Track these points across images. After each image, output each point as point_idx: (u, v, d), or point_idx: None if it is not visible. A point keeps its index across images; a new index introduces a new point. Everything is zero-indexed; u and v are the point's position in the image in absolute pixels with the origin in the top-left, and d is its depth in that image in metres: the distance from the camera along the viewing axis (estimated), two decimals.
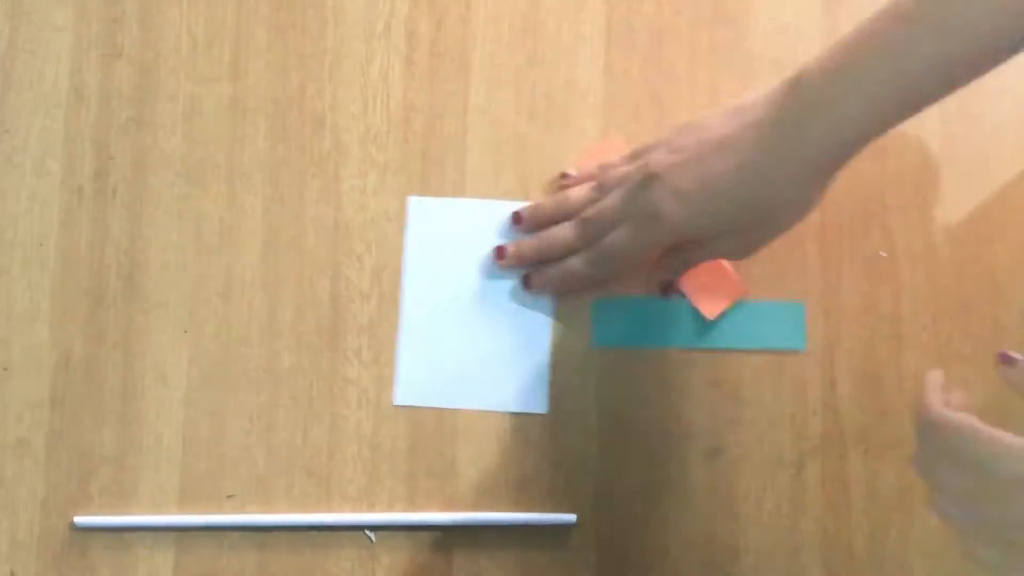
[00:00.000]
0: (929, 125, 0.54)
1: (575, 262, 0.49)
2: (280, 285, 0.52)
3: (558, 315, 0.52)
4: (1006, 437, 0.35)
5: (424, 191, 0.53)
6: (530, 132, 0.54)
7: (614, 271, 0.49)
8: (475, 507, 0.51)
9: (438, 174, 0.53)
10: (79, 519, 0.50)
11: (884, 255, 0.53)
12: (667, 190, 0.44)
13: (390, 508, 0.51)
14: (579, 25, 0.55)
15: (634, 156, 0.49)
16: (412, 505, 0.51)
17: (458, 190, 0.53)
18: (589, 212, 0.48)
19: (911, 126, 0.54)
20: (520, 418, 0.52)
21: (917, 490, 0.52)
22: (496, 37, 0.54)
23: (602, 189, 0.48)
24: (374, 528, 0.51)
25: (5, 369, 0.51)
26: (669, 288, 0.52)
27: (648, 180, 0.45)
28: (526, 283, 0.51)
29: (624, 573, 0.51)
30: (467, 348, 0.52)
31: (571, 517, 0.50)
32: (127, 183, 0.53)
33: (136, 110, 0.53)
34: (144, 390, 0.51)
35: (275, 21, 0.54)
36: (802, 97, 0.41)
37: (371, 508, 0.51)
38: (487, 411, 0.52)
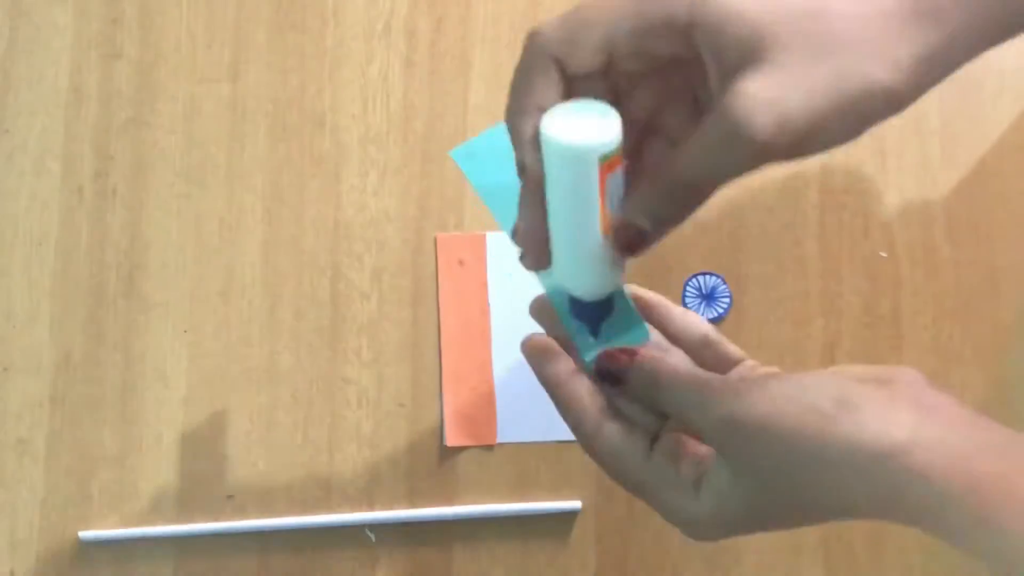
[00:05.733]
0: (929, 125, 0.54)
1: None
2: (280, 285, 0.52)
3: None
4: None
5: (424, 190, 0.53)
6: None
7: None
8: (476, 502, 0.51)
9: (438, 174, 0.53)
10: (84, 534, 0.50)
11: (884, 255, 0.53)
12: None
13: (390, 507, 0.51)
14: None
15: None
16: (412, 504, 0.51)
17: (458, 190, 0.53)
18: None
19: (911, 126, 0.54)
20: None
21: None
22: (496, 37, 0.54)
23: None
24: (374, 527, 0.51)
25: (5, 369, 0.51)
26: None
27: None
28: None
29: (624, 569, 0.51)
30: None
31: (576, 504, 0.51)
32: (127, 183, 0.53)
33: (136, 110, 0.53)
34: (144, 390, 0.51)
35: (275, 21, 0.54)
36: None
37: (371, 508, 0.51)
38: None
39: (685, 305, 0.53)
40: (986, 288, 0.53)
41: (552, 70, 0.32)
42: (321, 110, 0.54)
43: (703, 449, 0.34)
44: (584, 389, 0.35)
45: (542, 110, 0.32)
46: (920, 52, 0.31)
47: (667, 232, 0.33)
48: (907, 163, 0.54)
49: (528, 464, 0.51)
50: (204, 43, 0.54)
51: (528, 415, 0.51)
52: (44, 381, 0.51)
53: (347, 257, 0.53)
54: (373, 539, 0.51)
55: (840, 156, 0.54)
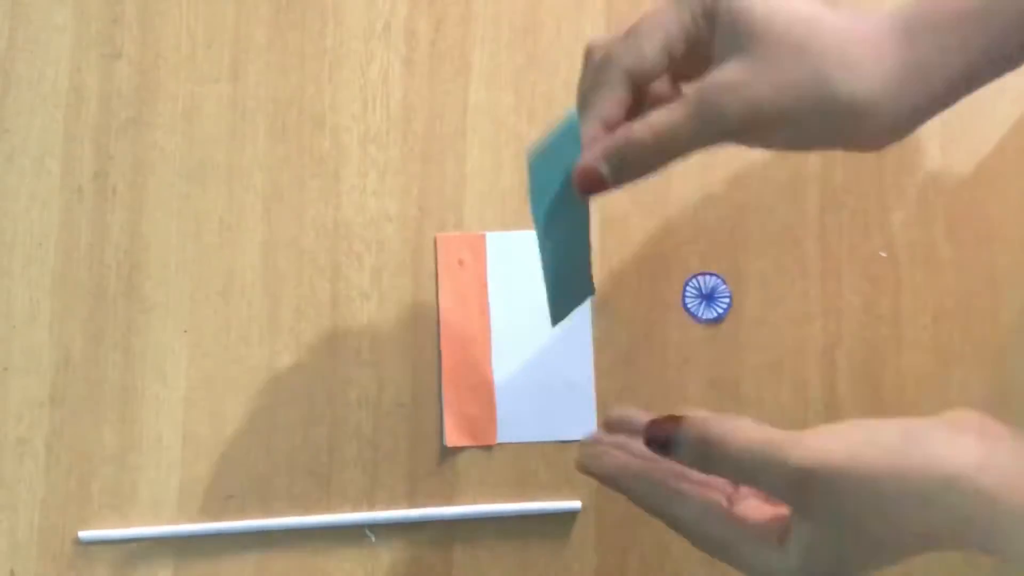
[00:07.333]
0: (929, 126, 0.54)
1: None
2: (280, 285, 0.52)
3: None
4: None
5: (424, 190, 0.53)
6: (530, 132, 0.54)
7: None
8: (476, 502, 0.51)
9: (438, 174, 0.53)
10: (84, 534, 0.50)
11: (884, 255, 0.53)
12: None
13: (390, 507, 0.51)
14: (579, 25, 0.55)
15: None
16: (412, 504, 0.51)
17: (458, 190, 0.53)
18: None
19: None
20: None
21: None
22: (496, 37, 0.54)
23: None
24: (374, 527, 0.51)
25: (5, 369, 0.51)
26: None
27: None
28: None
29: (624, 569, 0.51)
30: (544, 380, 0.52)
31: (576, 504, 0.51)
32: (127, 183, 0.53)
33: (136, 110, 0.53)
34: (144, 390, 0.51)
35: (275, 21, 0.54)
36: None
37: (371, 508, 0.51)
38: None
39: (685, 305, 0.53)
40: (986, 288, 0.53)
41: (622, 84, 0.34)
42: (321, 110, 0.54)
43: (781, 505, 0.35)
44: (648, 454, 0.36)
45: (606, 123, 0.35)
46: (901, 74, 0.33)
47: (624, 183, 0.35)
48: (907, 163, 0.54)
49: (528, 464, 0.51)
50: (204, 43, 0.54)
51: (528, 415, 0.51)
52: (44, 381, 0.51)
53: (347, 257, 0.53)
54: (373, 539, 0.51)
55: (840, 156, 0.54)
